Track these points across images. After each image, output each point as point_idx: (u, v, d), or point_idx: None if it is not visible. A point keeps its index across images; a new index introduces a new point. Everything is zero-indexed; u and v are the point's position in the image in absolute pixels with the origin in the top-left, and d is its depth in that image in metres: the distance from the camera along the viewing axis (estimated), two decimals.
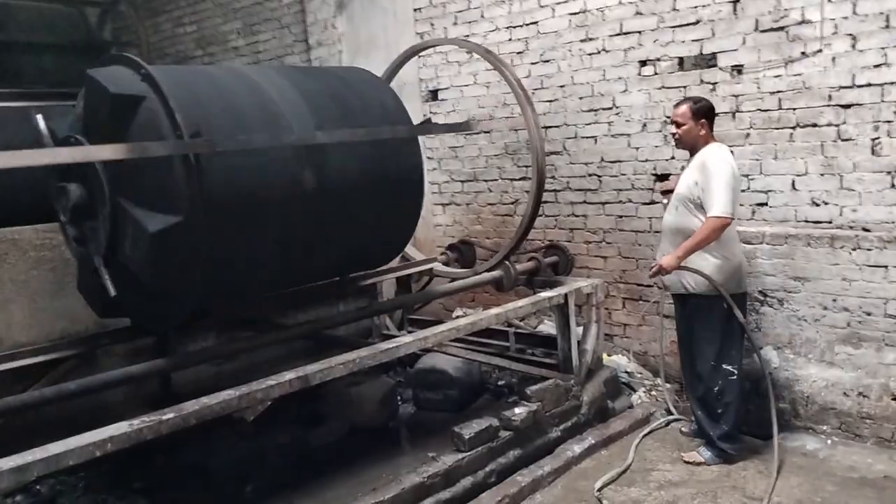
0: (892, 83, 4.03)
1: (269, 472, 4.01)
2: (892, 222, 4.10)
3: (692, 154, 4.11)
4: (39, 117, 3.29)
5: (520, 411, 4.17)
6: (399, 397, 4.96)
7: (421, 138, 6.16)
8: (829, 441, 4.24)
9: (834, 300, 4.33)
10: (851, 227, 4.26)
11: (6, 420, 3.25)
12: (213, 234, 3.15)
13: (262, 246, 3.49)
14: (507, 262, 4.86)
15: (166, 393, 4.26)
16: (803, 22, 4.28)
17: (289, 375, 3.25)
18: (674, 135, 4.14)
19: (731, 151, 4.15)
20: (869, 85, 4.10)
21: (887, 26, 4.00)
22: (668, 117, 4.85)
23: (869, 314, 4.21)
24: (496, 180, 6.04)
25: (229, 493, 3.80)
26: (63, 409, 3.39)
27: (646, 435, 4.49)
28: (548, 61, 5.52)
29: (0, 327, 3.74)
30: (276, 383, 3.18)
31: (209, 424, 3.15)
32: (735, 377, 4.05)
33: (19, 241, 3.86)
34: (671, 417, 4.70)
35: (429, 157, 6.31)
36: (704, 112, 4.04)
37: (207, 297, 3.55)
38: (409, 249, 5.47)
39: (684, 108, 4.05)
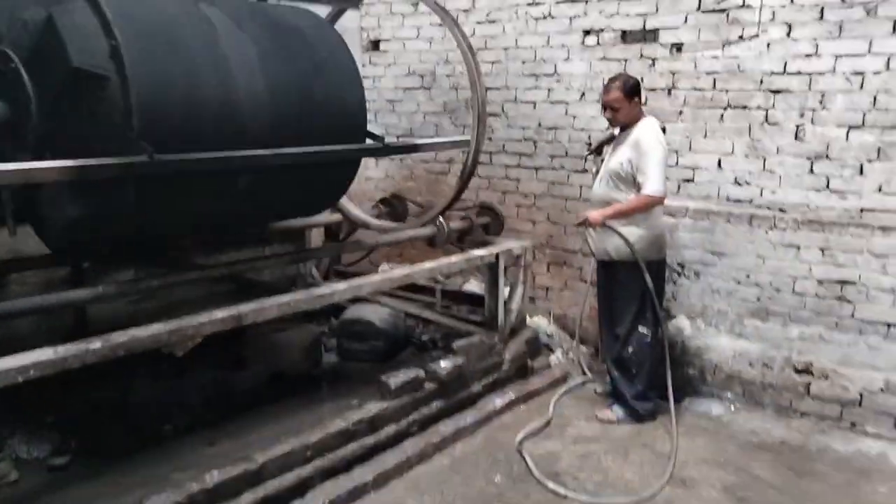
0: (820, 73, 4.23)
1: (188, 412, 3.93)
2: (808, 205, 4.35)
3: (623, 129, 4.21)
4: None
5: (445, 364, 4.23)
6: (323, 346, 4.93)
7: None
8: (732, 407, 4.51)
9: (747, 275, 4.58)
10: (770, 208, 4.49)
11: None
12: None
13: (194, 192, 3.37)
14: (440, 219, 4.88)
15: (80, 327, 4.10)
16: (744, 6, 4.43)
17: (221, 313, 3.18)
18: (608, 118, 4.24)
19: (663, 127, 4.29)
20: (799, 73, 4.30)
21: (821, 18, 4.19)
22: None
23: (778, 290, 4.48)
24: (433, 138, 6.02)
25: (147, 432, 3.71)
26: None
27: (563, 393, 4.65)
28: (493, 22, 5.52)
29: None
30: (209, 320, 3.11)
31: (131, 360, 3.06)
32: (649, 340, 4.25)
33: None
34: (586, 378, 4.88)
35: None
36: (635, 90, 4.15)
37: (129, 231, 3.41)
38: (342, 200, 5.39)
39: (617, 91, 4.11)
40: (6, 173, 2.62)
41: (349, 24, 5.96)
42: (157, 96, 2.94)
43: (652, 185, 4.02)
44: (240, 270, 4.31)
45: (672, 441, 3.91)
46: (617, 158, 4.17)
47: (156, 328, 2.94)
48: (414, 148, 4.98)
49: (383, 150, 4.38)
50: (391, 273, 4.21)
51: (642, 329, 4.25)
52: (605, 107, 4.23)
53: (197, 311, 3.22)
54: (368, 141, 4.17)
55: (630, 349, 4.27)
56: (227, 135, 3.25)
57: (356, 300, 4.91)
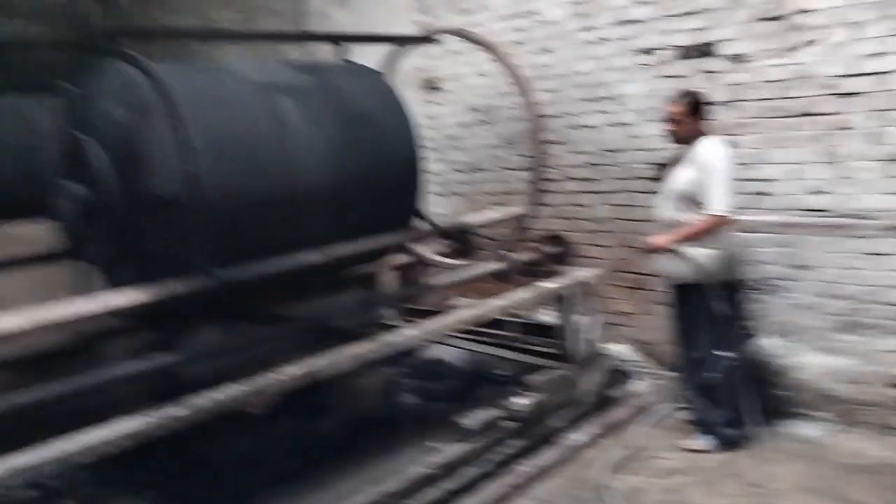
0: (891, 71, 4.03)
1: (273, 464, 4.05)
2: (891, 210, 4.12)
3: (685, 147, 4.13)
4: None
5: (522, 401, 4.21)
6: (402, 388, 4.99)
7: (421, 128, 6.20)
8: (828, 428, 4.29)
9: (833, 288, 4.36)
10: (851, 216, 4.27)
11: (12, 415, 3.27)
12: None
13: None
14: (508, 253, 4.88)
15: (171, 386, 4.29)
16: (801, 11, 4.28)
17: (299, 368, 3.28)
18: (669, 131, 4.18)
19: (733, 142, 4.18)
20: (868, 73, 4.10)
21: (885, 15, 3.99)
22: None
23: (867, 302, 4.25)
24: (495, 170, 6.05)
25: (233, 487, 3.84)
26: (70, 402, 3.42)
27: (648, 424, 4.53)
28: (548, 51, 5.52)
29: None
30: (284, 377, 3.21)
31: (214, 417, 3.19)
32: (734, 364, 4.10)
33: (22, 237, 3.88)
34: (672, 405, 4.74)
35: (430, 148, 6.31)
36: (697, 106, 4.09)
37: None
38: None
39: (680, 105, 4.10)
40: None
41: (407, 66, 6.09)
42: (228, 217, 3.21)
43: (718, 203, 3.90)
44: (318, 320, 4.42)
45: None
46: (680, 178, 4.09)
47: (234, 389, 3.06)
48: (464, 229, 5.02)
49: (432, 231, 4.62)
50: (460, 314, 4.23)
51: (723, 352, 4.10)
52: (667, 119, 4.17)
53: (280, 363, 3.33)
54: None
55: (713, 375, 4.13)
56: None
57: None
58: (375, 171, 3.94)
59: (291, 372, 3.26)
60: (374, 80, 4.34)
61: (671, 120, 4.13)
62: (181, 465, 3.96)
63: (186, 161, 3.02)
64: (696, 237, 3.98)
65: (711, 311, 4.09)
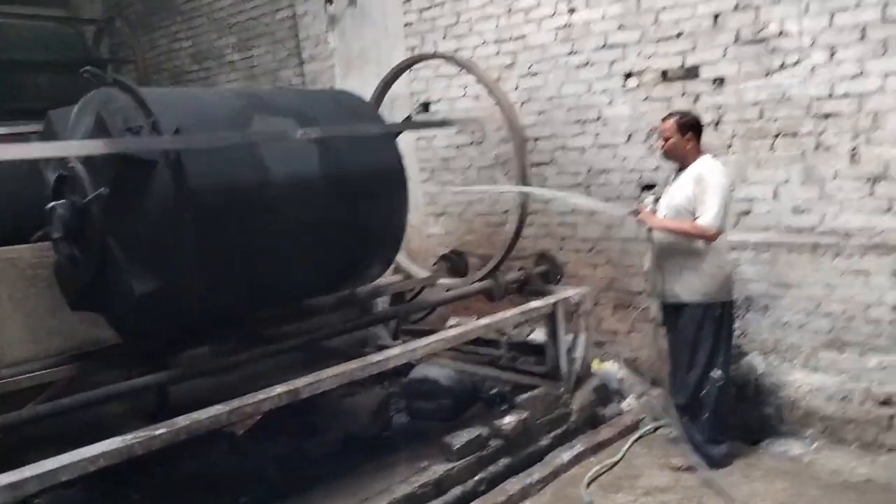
0: (869, 93, 4.10)
1: (264, 482, 4.08)
2: (872, 229, 4.17)
3: (682, 167, 4.19)
4: None
5: (509, 420, 4.25)
6: (393, 407, 5.02)
7: (414, 150, 6.30)
8: (813, 445, 4.31)
9: (817, 306, 4.41)
10: (833, 235, 4.33)
11: (4, 436, 3.34)
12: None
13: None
14: (496, 272, 4.94)
15: (163, 405, 4.35)
16: (783, 34, 4.37)
17: (279, 389, 3.33)
18: (661, 148, 4.24)
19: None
20: (847, 95, 4.18)
21: (863, 37, 4.08)
22: (653, 128, 4.96)
23: (851, 319, 4.29)
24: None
25: (226, 503, 3.87)
26: (62, 423, 3.49)
27: (634, 441, 4.56)
28: (535, 74, 5.61)
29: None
30: (266, 397, 3.26)
31: (206, 436, 3.24)
32: (723, 383, 4.14)
33: (16, 260, 3.95)
34: (659, 423, 4.77)
35: (421, 168, 6.40)
36: (690, 125, 4.15)
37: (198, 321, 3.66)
38: (403, 259, 5.54)
39: (670, 122, 4.16)
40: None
41: (400, 90, 6.20)
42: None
43: (709, 217, 3.94)
44: (307, 342, 4.48)
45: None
46: (679, 194, 4.13)
47: (215, 409, 3.10)
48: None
49: None
50: (445, 334, 4.29)
51: (716, 372, 4.13)
52: (660, 137, 4.24)
53: (269, 382, 3.38)
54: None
55: (702, 394, 4.15)
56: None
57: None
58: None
59: (275, 392, 3.30)
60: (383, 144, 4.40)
61: (663, 138, 4.19)
62: (171, 482, 4.00)
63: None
64: (677, 233, 4.05)
65: (702, 332, 4.13)
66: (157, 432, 2.88)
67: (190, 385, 4.37)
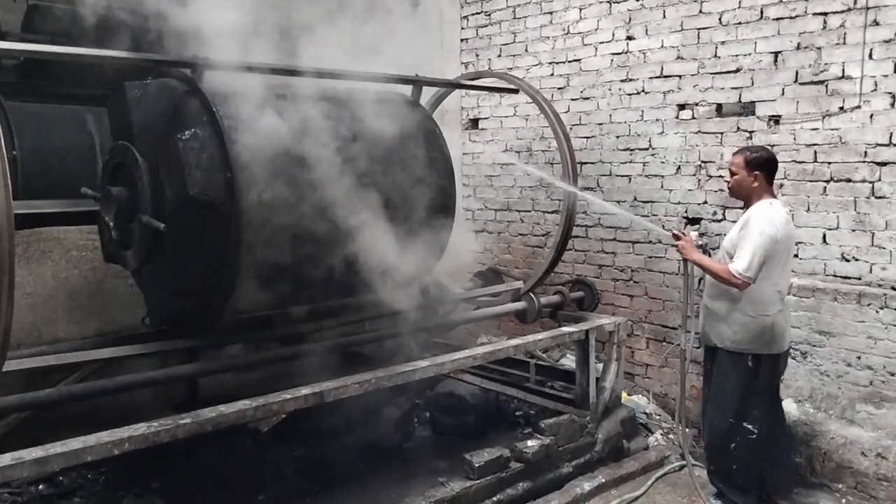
0: None
1: (283, 482, 4.11)
2: None
3: (746, 206, 3.97)
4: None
5: (532, 444, 4.20)
6: (416, 419, 5.02)
7: (458, 165, 6.30)
8: (843, 500, 4.17)
9: (858, 357, 4.29)
10: (880, 286, 4.22)
11: (35, 413, 3.41)
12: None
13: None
14: (531, 294, 4.91)
15: (192, 397, 4.40)
16: (844, 77, 4.29)
17: (304, 391, 3.34)
18: (727, 182, 4.03)
19: (789, 211, 4.07)
20: None
21: None
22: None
23: (893, 374, 4.16)
24: (529, 211, 6.12)
25: (243, 500, 3.90)
26: (92, 404, 3.55)
27: (658, 478, 4.47)
28: (588, 98, 5.60)
29: (39, 321, 3.93)
30: (292, 397, 3.28)
31: (230, 431, 3.27)
32: (754, 436, 3.93)
33: (64, 241, 4.06)
34: (685, 462, 4.66)
35: (464, 185, 6.42)
36: (760, 164, 3.86)
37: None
38: (439, 276, 5.54)
39: (740, 157, 3.91)
40: None
41: (451, 106, 6.24)
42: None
43: (736, 264, 3.74)
44: (336, 347, 4.50)
45: None
46: (729, 235, 4.00)
47: (241, 404, 3.13)
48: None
49: None
50: (474, 351, 4.26)
51: (747, 425, 3.92)
52: (728, 172, 4.02)
53: (297, 383, 3.41)
54: None
55: (731, 445, 3.96)
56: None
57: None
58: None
59: (300, 393, 3.32)
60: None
61: (730, 171, 3.96)
62: (193, 475, 4.05)
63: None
64: (705, 270, 3.94)
65: (727, 381, 3.97)
66: (183, 422, 2.91)
67: (218, 380, 4.44)
